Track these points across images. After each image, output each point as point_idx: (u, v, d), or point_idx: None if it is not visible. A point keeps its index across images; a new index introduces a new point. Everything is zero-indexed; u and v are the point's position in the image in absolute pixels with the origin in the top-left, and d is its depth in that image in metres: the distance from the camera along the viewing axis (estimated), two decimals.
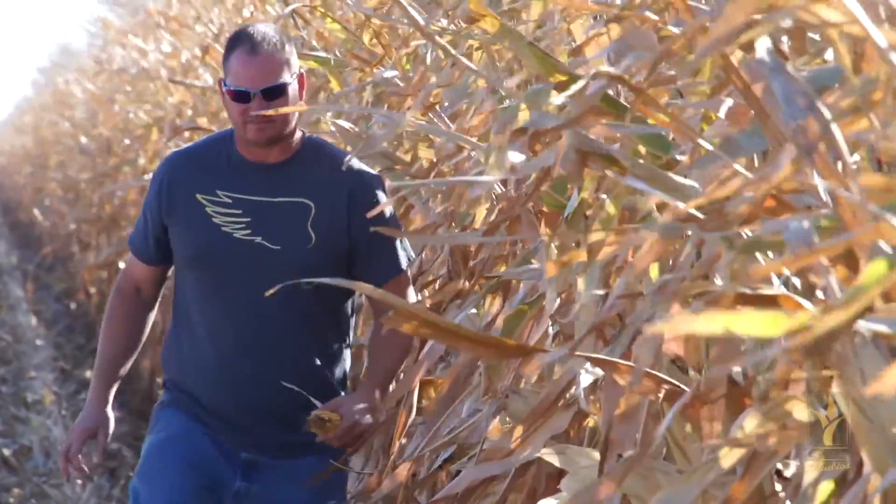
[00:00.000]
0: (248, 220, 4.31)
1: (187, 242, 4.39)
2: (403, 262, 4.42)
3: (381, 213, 4.28)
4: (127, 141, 12.62)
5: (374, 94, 5.49)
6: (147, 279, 4.57)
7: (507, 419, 3.66)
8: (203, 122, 8.11)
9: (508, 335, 3.74)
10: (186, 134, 8.46)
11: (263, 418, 4.40)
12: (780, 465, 2.77)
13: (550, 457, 3.27)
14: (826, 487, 2.48)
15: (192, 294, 4.42)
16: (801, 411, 2.54)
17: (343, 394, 4.45)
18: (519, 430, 3.33)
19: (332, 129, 5.25)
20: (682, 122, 2.91)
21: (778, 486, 2.79)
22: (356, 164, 4.35)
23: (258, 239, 4.30)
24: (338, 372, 4.46)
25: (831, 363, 2.43)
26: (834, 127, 2.39)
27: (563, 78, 3.38)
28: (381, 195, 4.35)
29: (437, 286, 4.84)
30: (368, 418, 4.33)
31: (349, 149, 4.96)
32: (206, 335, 4.39)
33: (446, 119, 4.62)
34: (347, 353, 4.51)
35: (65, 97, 18.13)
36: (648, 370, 2.94)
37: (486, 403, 3.83)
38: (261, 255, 4.30)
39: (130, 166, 12.16)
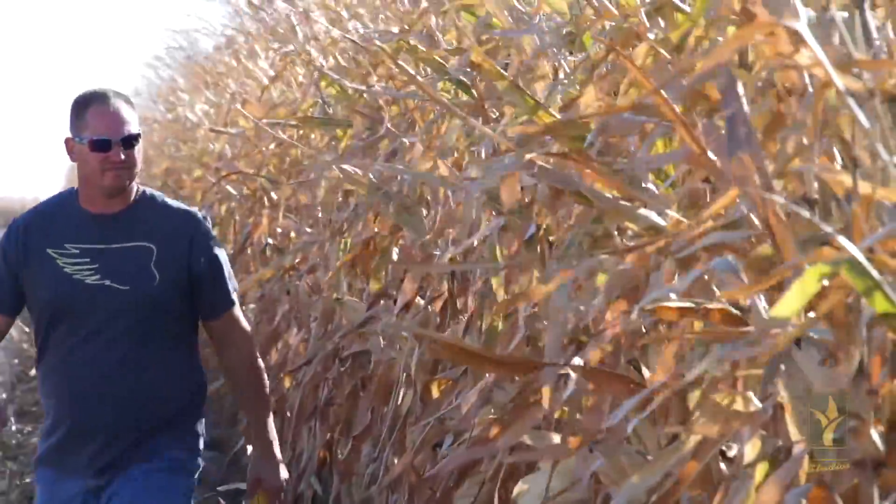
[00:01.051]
0: (97, 265, 4.13)
1: (43, 291, 4.18)
2: (234, 294, 4.29)
3: (217, 254, 4.24)
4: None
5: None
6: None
7: (492, 411, 3.62)
8: (241, 165, 8.04)
9: (491, 342, 3.74)
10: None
11: (121, 442, 4.19)
12: (723, 448, 2.74)
13: (529, 440, 3.25)
14: (763, 467, 2.45)
15: (51, 341, 4.21)
16: (740, 404, 2.53)
17: (197, 405, 4.34)
18: (501, 420, 3.31)
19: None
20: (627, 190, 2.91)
21: (723, 466, 2.75)
22: (191, 210, 4.31)
23: (107, 282, 4.12)
24: (192, 387, 4.30)
25: (769, 364, 2.41)
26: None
27: (548, 120, 3.38)
28: (213, 236, 4.31)
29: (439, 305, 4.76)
30: (284, 472, 4.35)
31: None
32: (66, 377, 4.19)
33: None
34: (198, 368, 4.35)
35: None
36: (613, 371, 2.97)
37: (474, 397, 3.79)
38: (111, 296, 4.12)
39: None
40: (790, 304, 2.14)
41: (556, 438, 3.22)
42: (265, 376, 4.39)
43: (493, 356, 3.11)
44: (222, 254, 4.29)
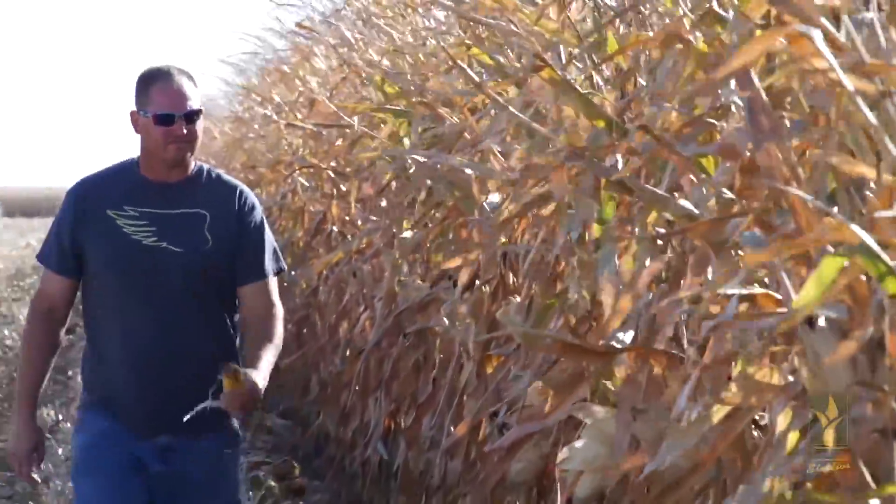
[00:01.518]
0: (154, 228, 4.06)
1: (102, 250, 4.10)
2: (270, 270, 4.18)
3: (263, 227, 4.20)
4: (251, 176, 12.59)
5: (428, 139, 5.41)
6: (61, 296, 4.17)
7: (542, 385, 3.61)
8: (313, 159, 8.05)
9: (540, 322, 3.75)
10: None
11: (177, 401, 4.00)
12: (756, 417, 2.75)
13: (577, 412, 3.27)
14: (794, 436, 2.45)
15: (106, 300, 4.13)
16: (774, 378, 2.53)
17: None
18: (553, 396, 3.33)
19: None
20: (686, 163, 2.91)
21: (756, 433, 2.76)
22: (240, 184, 4.25)
23: (164, 244, 4.06)
24: (231, 352, 4.17)
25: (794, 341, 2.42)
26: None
27: (603, 123, 3.38)
28: (259, 210, 4.24)
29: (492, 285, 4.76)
30: (261, 393, 4.07)
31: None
32: (120, 335, 4.09)
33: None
34: (236, 335, 4.25)
35: (206, 138, 18.29)
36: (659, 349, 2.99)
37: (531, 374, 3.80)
38: (166, 257, 4.06)
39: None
40: (810, 293, 2.14)
41: (600, 410, 3.23)
42: (276, 352, 4.19)
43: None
44: (266, 228, 4.23)
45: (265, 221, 4.26)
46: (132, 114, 4.07)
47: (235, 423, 4.21)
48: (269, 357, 4.13)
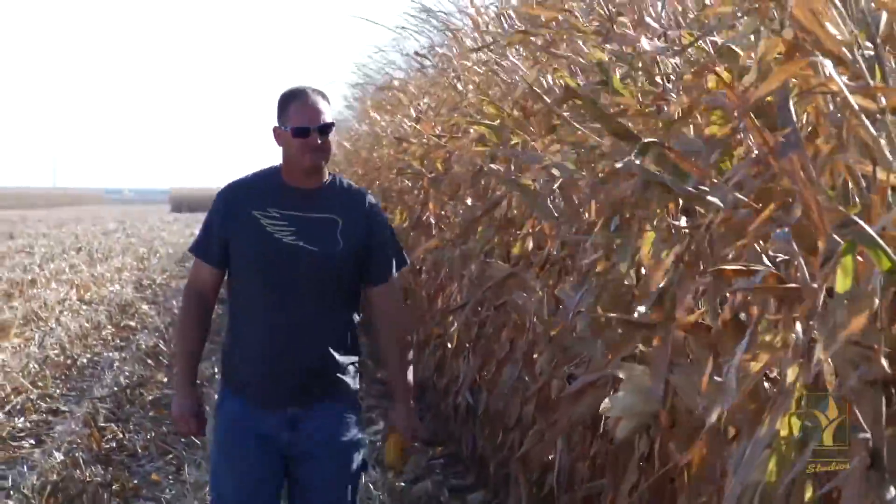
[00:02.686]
0: (294, 228, 3.84)
1: (247, 246, 3.89)
2: (394, 271, 4.00)
3: (388, 230, 4.02)
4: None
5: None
6: (210, 282, 3.98)
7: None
8: (418, 166, 8.04)
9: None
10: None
11: (304, 380, 3.88)
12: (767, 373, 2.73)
13: (617, 370, 3.27)
14: (800, 387, 2.43)
15: (248, 291, 3.92)
16: (783, 340, 2.52)
17: (358, 354, 4.03)
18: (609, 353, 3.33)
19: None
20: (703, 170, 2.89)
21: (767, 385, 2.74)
22: (369, 194, 4.01)
23: (301, 243, 3.84)
24: (352, 336, 3.98)
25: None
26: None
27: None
28: (384, 214, 4.07)
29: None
30: (416, 419, 4.11)
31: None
32: (262, 321, 3.87)
33: None
34: (356, 328, 4.02)
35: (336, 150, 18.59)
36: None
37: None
38: (304, 254, 3.83)
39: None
40: (844, 281, 2.13)
41: (636, 367, 3.23)
42: (410, 340, 4.14)
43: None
44: (391, 229, 4.06)
45: (388, 223, 4.08)
46: (274, 129, 3.90)
47: (355, 388, 4.02)
48: (408, 366, 4.05)
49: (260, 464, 3.92)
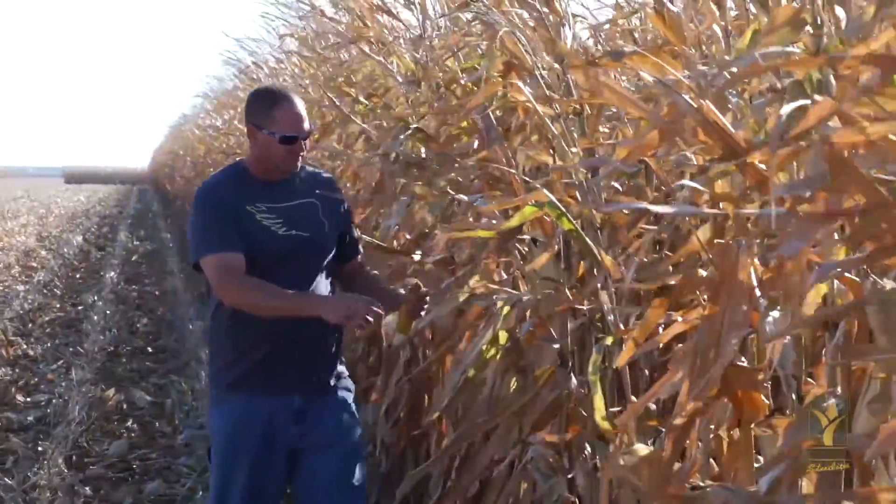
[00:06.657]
0: (283, 219, 2.94)
1: (249, 241, 2.90)
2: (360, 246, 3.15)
3: (349, 206, 3.17)
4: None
5: None
6: (241, 264, 2.87)
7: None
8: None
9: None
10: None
11: (307, 364, 2.99)
12: None
13: None
14: (508, 312, 2.51)
15: None
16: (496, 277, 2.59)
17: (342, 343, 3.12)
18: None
19: None
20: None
21: None
22: (327, 172, 3.22)
23: (294, 231, 2.94)
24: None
25: None
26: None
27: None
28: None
29: None
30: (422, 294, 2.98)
31: None
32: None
33: None
34: None
35: (185, 138, 17.88)
36: None
37: None
38: (299, 242, 2.95)
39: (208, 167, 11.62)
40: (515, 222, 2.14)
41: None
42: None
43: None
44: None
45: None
46: (250, 129, 2.96)
47: (350, 384, 3.10)
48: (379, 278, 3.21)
49: (267, 475, 3.01)
